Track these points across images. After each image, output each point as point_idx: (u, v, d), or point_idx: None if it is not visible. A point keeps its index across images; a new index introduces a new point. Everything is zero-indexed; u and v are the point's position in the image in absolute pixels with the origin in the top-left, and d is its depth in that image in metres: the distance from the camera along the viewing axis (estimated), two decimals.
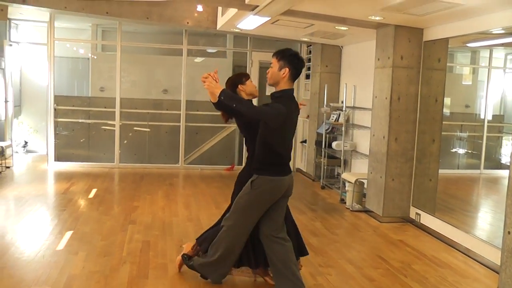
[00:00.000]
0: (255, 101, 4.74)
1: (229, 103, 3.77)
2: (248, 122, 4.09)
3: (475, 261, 5.28)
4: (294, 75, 3.88)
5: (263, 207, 4.00)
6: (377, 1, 5.32)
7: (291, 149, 4.04)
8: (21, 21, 11.03)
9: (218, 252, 4.13)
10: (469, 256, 5.42)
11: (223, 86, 4.00)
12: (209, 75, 3.84)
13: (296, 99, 4.01)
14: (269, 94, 3.94)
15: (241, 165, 10.21)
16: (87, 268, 4.59)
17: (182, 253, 4.57)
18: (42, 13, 9.57)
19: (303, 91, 10.51)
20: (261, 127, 3.89)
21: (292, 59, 3.85)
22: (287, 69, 3.82)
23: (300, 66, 3.90)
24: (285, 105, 3.76)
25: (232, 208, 4.12)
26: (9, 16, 9.49)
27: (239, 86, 4.30)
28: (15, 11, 9.54)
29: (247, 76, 4.39)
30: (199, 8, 8.55)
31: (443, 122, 6.55)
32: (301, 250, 4.40)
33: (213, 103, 4.06)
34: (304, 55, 10.43)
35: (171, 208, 7.03)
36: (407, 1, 5.09)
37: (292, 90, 3.92)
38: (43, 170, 9.71)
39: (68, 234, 5.61)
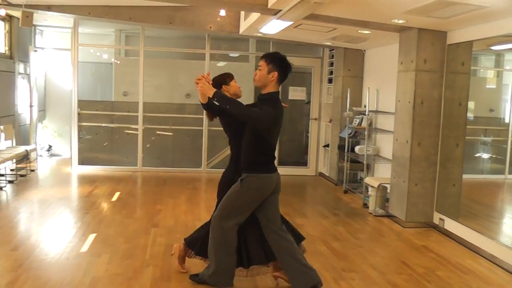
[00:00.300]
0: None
1: (222, 104, 3.90)
2: (233, 121, 4.18)
3: (500, 268, 5.22)
4: (282, 79, 4.02)
5: (253, 205, 4.14)
6: (400, 4, 5.31)
7: (276, 148, 4.18)
8: (46, 27, 11.24)
9: (214, 257, 4.20)
10: (494, 263, 5.36)
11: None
12: (203, 77, 3.96)
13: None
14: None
15: None
16: (110, 271, 4.66)
17: (189, 274, 4.55)
18: (66, 19, 9.75)
19: (325, 95, 10.50)
20: (249, 127, 4.03)
21: (281, 63, 3.98)
22: (276, 73, 3.95)
23: (288, 71, 4.03)
24: (273, 108, 3.93)
25: (220, 206, 4.21)
26: (34, 23, 9.66)
27: (223, 86, 4.40)
28: (40, 17, 9.71)
29: (231, 77, 4.48)
30: (222, 12, 8.59)
31: (467, 126, 6.50)
32: (298, 236, 4.51)
33: (202, 103, 4.20)
34: (326, 59, 10.46)
35: (193, 212, 7.08)
36: (431, 4, 5.07)
37: (278, 92, 4.06)
38: (67, 173, 9.86)
39: (92, 236, 5.70)
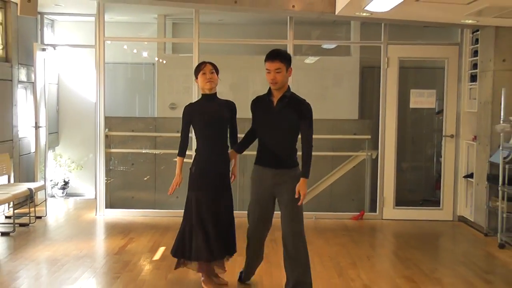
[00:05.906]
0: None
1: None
2: None
3: None
4: None
5: None
6: None
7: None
8: (57, 15, 11.63)
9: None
10: None
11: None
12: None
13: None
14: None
15: (375, 212, 10.64)
16: None
17: None
18: (86, 3, 9.96)
19: (466, 100, 10.24)
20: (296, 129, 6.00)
21: (289, 57, 6.02)
22: (290, 68, 5.96)
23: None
24: None
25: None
26: (40, 10, 9.80)
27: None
28: (49, 2, 9.91)
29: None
30: None
31: None
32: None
33: None
34: (467, 46, 10.23)
35: (272, 275, 7.00)
36: None
37: None
38: (90, 220, 10.01)
39: None
